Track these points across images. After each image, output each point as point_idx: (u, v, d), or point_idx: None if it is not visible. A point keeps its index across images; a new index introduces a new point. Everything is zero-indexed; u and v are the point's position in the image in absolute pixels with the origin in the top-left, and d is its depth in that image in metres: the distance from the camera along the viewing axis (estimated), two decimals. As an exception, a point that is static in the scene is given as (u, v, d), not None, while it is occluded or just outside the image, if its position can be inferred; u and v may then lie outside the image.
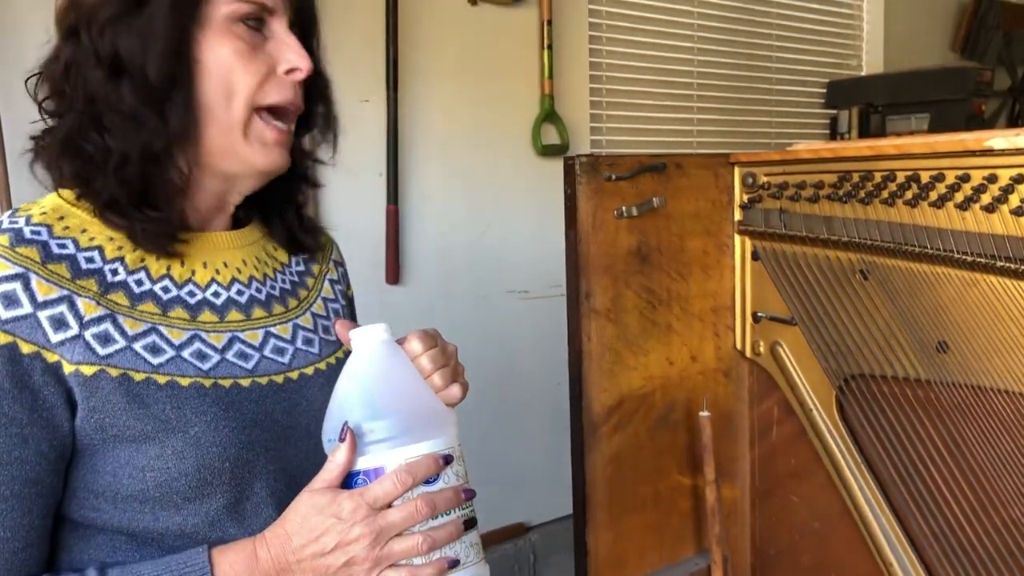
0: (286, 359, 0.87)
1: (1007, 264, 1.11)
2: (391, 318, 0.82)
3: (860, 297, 1.28)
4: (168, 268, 0.82)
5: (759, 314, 1.42)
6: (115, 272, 0.78)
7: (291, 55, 0.82)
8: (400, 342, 0.82)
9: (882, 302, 1.25)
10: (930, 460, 1.23)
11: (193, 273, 0.84)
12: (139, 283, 0.80)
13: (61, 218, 0.78)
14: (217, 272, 0.86)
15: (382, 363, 0.79)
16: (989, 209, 1.12)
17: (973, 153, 1.13)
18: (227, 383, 0.81)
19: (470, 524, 0.78)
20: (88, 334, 0.75)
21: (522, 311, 2.51)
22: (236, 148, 0.82)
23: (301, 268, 0.96)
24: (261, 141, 0.82)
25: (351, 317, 1.02)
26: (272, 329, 0.87)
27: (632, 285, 1.33)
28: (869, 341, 1.28)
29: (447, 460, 0.77)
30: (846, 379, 1.32)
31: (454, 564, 0.76)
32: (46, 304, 0.73)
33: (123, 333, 0.77)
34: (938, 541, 1.24)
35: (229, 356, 0.82)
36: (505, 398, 2.47)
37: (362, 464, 0.75)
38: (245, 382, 0.82)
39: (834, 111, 3.21)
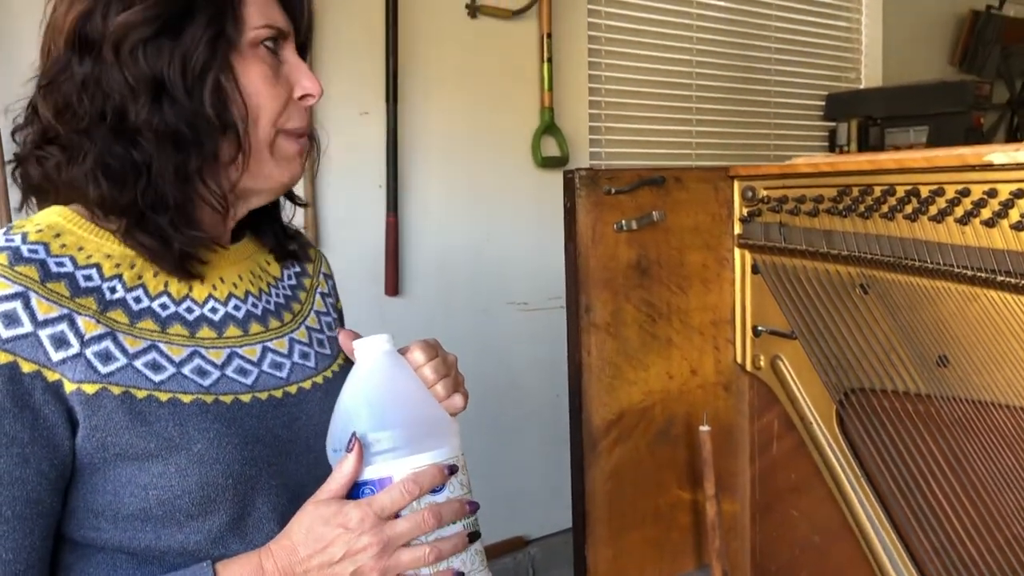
0: (284, 373, 0.87)
1: (1007, 279, 1.11)
2: (391, 330, 0.82)
3: (860, 311, 1.28)
4: (166, 284, 0.82)
5: (759, 328, 1.42)
6: (113, 290, 0.78)
7: (305, 81, 0.84)
8: (401, 352, 0.82)
9: (882, 316, 1.25)
10: (931, 475, 1.23)
11: (190, 289, 0.83)
12: (137, 300, 0.79)
13: (57, 235, 0.78)
14: (214, 288, 0.86)
15: (386, 373, 0.79)
16: (989, 224, 1.12)
17: (973, 168, 1.14)
18: (228, 399, 0.80)
19: (474, 537, 0.78)
20: (89, 352, 0.74)
21: (521, 323, 2.51)
22: (263, 167, 0.84)
23: (293, 282, 0.96)
24: (286, 157, 0.85)
25: None
26: (269, 344, 0.87)
27: (632, 299, 1.33)
28: (869, 355, 1.28)
29: (452, 470, 0.77)
30: (846, 393, 1.32)
31: (459, 575, 0.76)
32: (46, 323, 0.73)
33: (123, 351, 0.76)
34: (939, 556, 1.24)
35: (229, 372, 0.82)
36: (504, 410, 2.47)
37: (369, 474, 0.75)
38: (246, 398, 0.82)
39: (833, 124, 3.22)
